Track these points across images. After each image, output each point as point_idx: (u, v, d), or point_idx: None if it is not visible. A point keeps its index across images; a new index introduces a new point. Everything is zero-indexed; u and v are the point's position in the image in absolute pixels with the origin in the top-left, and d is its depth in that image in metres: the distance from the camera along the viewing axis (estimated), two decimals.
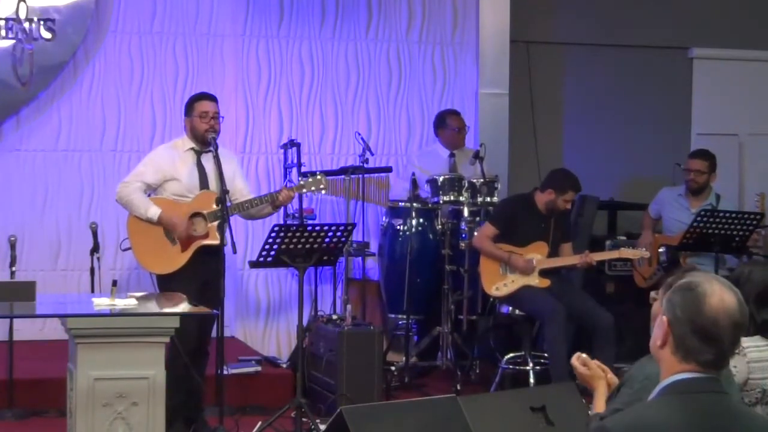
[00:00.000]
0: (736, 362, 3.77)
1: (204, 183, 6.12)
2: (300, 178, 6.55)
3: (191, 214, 6.07)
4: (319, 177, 6.34)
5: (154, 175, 6.12)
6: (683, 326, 2.58)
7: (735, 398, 2.72)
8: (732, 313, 2.56)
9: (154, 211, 6.05)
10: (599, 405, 3.50)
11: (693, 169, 7.56)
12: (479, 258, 7.10)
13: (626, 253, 6.94)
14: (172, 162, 6.14)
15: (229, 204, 6.02)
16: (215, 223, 6.00)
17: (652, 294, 3.45)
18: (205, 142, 6.12)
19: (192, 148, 6.17)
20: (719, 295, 2.57)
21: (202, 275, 6.00)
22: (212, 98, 6.25)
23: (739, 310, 2.58)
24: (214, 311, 5.57)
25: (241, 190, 6.25)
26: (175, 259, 6.05)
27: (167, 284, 6.01)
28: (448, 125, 8.02)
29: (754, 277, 3.96)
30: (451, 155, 8.04)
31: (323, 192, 6.50)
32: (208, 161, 6.13)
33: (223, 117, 6.26)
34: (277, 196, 6.18)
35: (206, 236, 6.05)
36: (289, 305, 8.02)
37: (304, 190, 6.41)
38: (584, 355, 3.63)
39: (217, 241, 5.97)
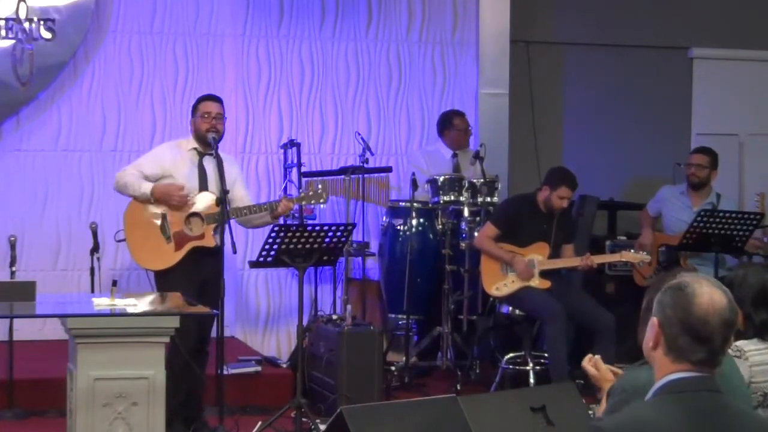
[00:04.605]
0: (739, 365, 3.76)
1: (204, 184, 6.13)
2: (302, 189, 6.54)
3: (189, 214, 6.08)
4: (320, 191, 6.34)
5: (152, 168, 6.12)
6: (674, 327, 2.59)
7: (730, 397, 2.71)
8: (722, 312, 2.57)
9: (147, 186, 6.06)
10: (604, 407, 3.51)
11: (694, 164, 7.60)
12: (480, 258, 7.10)
13: (628, 256, 6.93)
14: (172, 159, 6.15)
15: (228, 207, 6.02)
16: (212, 226, 6.01)
17: None
18: (206, 143, 6.12)
19: (195, 149, 6.18)
20: (708, 294, 2.58)
21: (201, 275, 5.99)
22: (215, 99, 6.28)
23: (729, 308, 2.59)
24: (214, 311, 5.57)
25: (242, 197, 6.25)
26: (168, 257, 6.04)
27: (165, 282, 6.00)
28: (454, 126, 8.01)
29: (750, 279, 3.95)
30: (454, 155, 8.04)
31: (323, 206, 6.54)
32: (209, 163, 6.13)
33: (226, 117, 6.27)
34: (277, 206, 6.18)
35: (201, 237, 6.05)
36: (289, 305, 8.02)
37: (304, 203, 6.43)
38: (597, 357, 3.66)
39: (211, 244, 5.98)
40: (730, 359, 3.50)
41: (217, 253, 5.91)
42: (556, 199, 6.90)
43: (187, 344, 5.67)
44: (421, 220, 7.71)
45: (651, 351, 2.65)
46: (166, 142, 6.62)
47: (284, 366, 7.16)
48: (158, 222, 6.08)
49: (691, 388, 2.57)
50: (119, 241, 6.28)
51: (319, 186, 6.52)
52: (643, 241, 7.51)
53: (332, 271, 7.48)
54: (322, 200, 6.35)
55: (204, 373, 6.09)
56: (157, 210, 6.11)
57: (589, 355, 3.68)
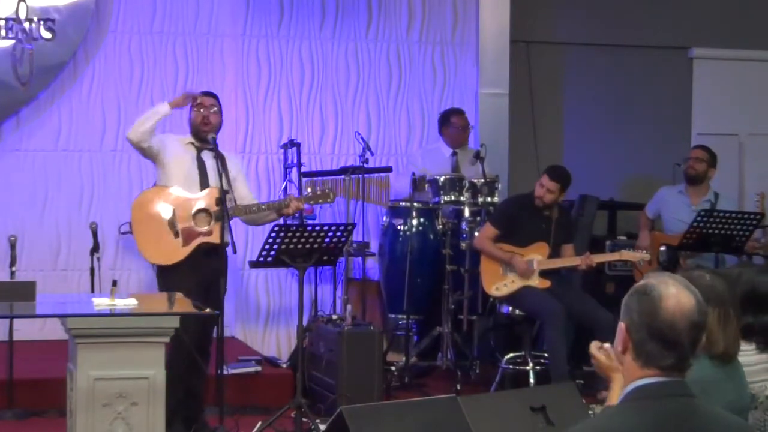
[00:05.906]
0: None
1: (204, 179, 6.09)
2: (309, 189, 6.52)
3: (196, 210, 6.05)
4: (327, 191, 6.33)
5: (154, 140, 6.08)
6: (641, 331, 2.53)
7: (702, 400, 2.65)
8: (689, 315, 2.52)
9: (162, 106, 6.11)
10: (613, 397, 3.44)
11: (693, 157, 7.64)
12: (480, 258, 7.10)
13: (627, 255, 6.94)
14: (174, 149, 6.10)
15: (231, 205, 6.00)
16: (219, 223, 5.98)
17: None
18: (201, 137, 6.10)
19: (191, 143, 6.16)
20: (675, 297, 2.52)
21: (205, 274, 5.95)
22: (210, 94, 6.31)
23: (697, 310, 2.53)
24: (215, 312, 5.55)
25: (243, 195, 6.22)
26: (175, 252, 5.99)
27: (168, 278, 5.97)
28: (452, 124, 8.02)
29: (742, 279, 3.93)
30: (454, 154, 8.05)
31: (330, 204, 6.57)
32: (208, 158, 6.11)
33: (222, 114, 6.25)
34: (286, 205, 6.16)
35: (210, 234, 6.01)
36: (289, 305, 8.02)
37: (312, 202, 6.41)
38: (607, 345, 3.54)
39: (219, 241, 5.94)
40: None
41: (221, 251, 5.90)
42: (537, 187, 6.96)
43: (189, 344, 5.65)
44: (422, 220, 7.71)
45: (621, 355, 2.60)
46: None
47: (284, 366, 7.16)
48: (166, 216, 6.01)
49: (660, 394, 2.52)
50: (124, 233, 6.24)
51: (326, 187, 6.53)
52: (641, 244, 7.51)
53: (332, 271, 7.48)
54: (329, 199, 6.34)
55: (205, 374, 6.09)
56: (167, 205, 6.07)
57: (598, 342, 3.55)
